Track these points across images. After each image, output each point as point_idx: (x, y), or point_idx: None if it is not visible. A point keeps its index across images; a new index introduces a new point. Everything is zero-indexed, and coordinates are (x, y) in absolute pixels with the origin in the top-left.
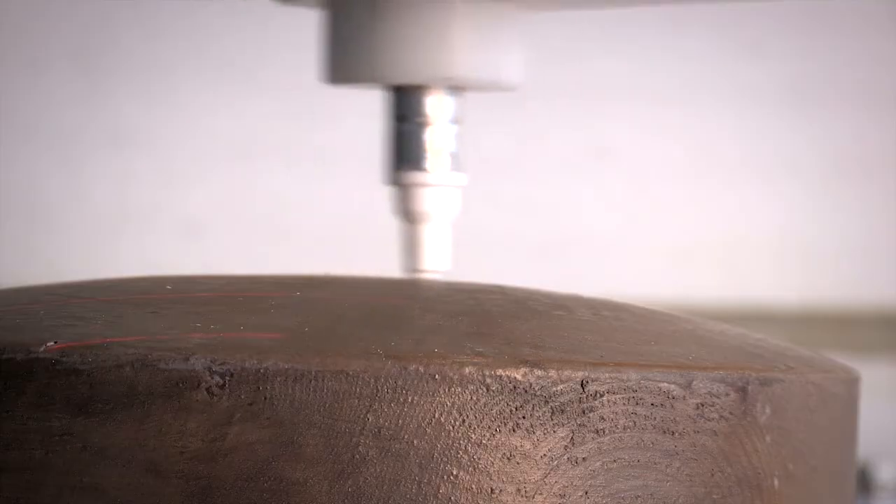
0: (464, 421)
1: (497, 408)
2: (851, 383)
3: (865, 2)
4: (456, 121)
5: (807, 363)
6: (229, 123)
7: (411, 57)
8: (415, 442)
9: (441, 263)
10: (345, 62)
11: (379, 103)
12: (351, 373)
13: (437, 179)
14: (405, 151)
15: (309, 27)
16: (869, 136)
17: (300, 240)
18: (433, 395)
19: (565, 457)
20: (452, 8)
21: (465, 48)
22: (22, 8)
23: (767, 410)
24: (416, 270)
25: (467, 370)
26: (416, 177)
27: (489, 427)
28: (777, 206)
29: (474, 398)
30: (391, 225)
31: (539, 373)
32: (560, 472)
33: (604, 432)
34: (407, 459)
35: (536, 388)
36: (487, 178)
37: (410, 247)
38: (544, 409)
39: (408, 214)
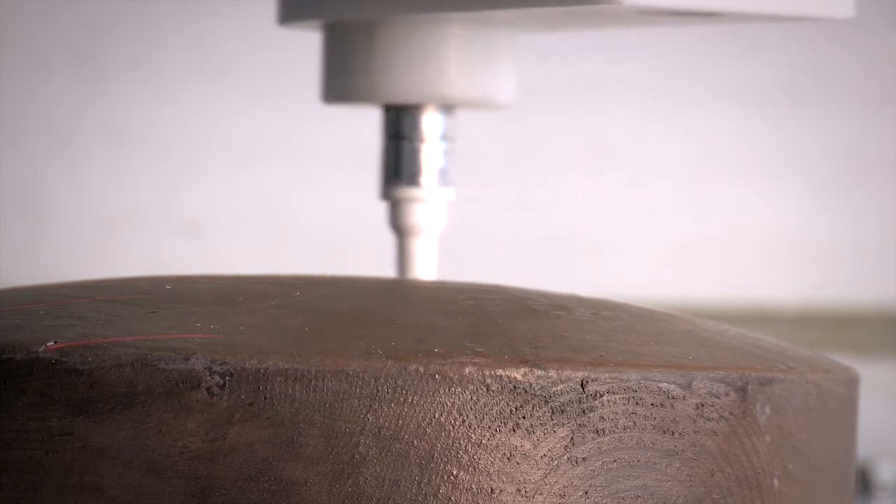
0: (464, 421)
1: (497, 408)
2: (851, 383)
3: (864, 1)
4: (447, 138)
5: (806, 363)
6: (230, 123)
7: (406, 77)
8: (415, 442)
9: (430, 275)
10: (342, 82)
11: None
12: (351, 373)
13: (427, 195)
14: (398, 168)
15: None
16: (869, 136)
17: (300, 240)
18: (433, 395)
19: (565, 457)
20: (446, 30)
21: (458, 69)
22: (22, 7)
23: (767, 410)
24: None
25: (467, 370)
26: (408, 192)
27: (489, 427)
28: (776, 205)
29: (474, 398)
30: (387, 226)
31: (539, 373)
32: (560, 472)
33: (604, 432)
34: (407, 459)
35: (536, 388)
36: (487, 178)
37: (402, 259)
38: (544, 409)
39: (400, 228)
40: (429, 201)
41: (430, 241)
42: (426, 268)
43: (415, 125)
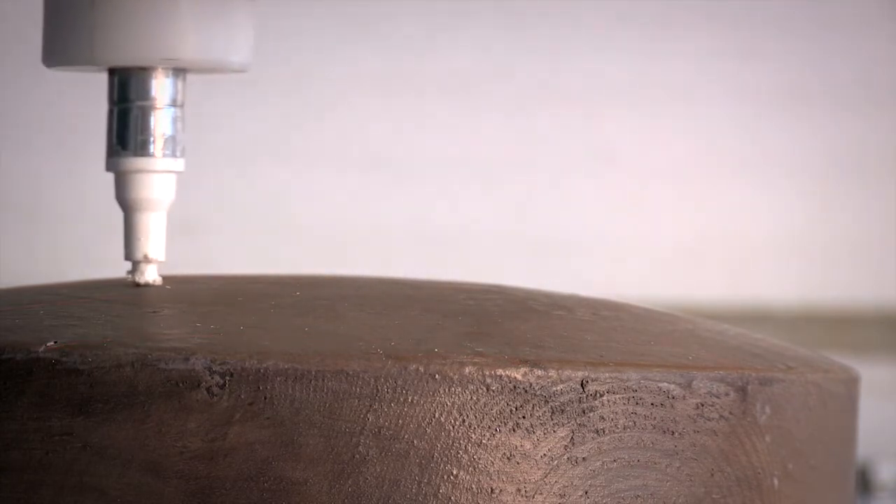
0: (464, 421)
1: (497, 408)
2: (851, 383)
3: (864, 1)
4: (176, 104)
5: (806, 363)
6: (228, 122)
7: (131, 38)
8: (415, 442)
9: (160, 252)
10: (62, 44)
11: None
12: (351, 373)
13: (158, 165)
14: (124, 137)
15: (311, 21)
16: (869, 136)
17: (300, 240)
18: (433, 394)
19: (565, 457)
20: None
21: (187, 29)
22: (22, 8)
23: (767, 410)
24: (137, 260)
25: (467, 370)
26: (137, 163)
27: (489, 427)
28: (777, 205)
29: (474, 398)
30: (390, 225)
31: (539, 373)
32: (560, 471)
33: (604, 432)
34: (407, 459)
35: (536, 388)
36: (487, 178)
37: (131, 236)
38: (544, 408)
39: (128, 202)
40: (159, 173)
41: (160, 217)
42: (156, 246)
43: (142, 91)
